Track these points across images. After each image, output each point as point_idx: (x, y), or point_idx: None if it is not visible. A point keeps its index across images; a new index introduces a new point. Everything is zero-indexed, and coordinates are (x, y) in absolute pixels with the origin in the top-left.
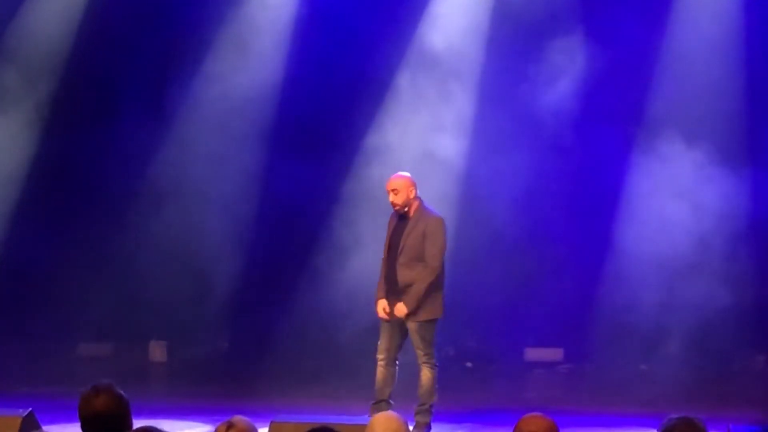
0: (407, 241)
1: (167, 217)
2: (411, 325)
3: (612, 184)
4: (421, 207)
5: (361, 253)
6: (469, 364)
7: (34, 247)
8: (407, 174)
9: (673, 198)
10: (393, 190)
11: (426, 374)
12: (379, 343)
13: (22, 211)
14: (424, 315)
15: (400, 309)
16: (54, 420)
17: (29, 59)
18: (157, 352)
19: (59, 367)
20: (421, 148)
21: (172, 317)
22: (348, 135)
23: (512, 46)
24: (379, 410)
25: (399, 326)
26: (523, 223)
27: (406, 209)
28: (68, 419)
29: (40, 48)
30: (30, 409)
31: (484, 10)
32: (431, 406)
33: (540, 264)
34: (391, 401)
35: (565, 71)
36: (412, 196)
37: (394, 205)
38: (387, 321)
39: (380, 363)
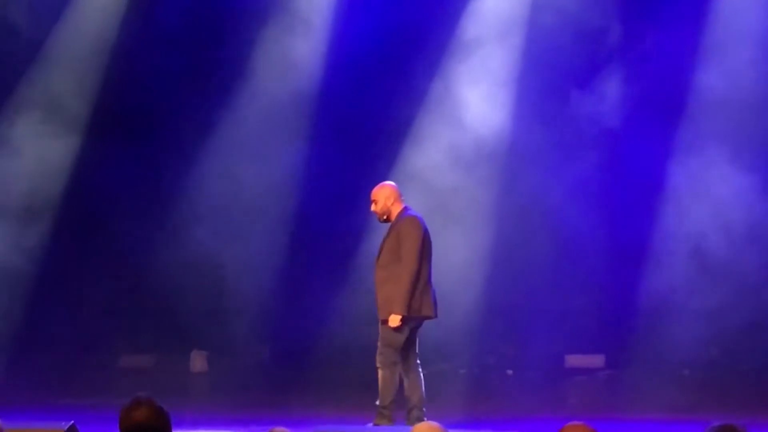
0: (385, 245)
1: (209, 228)
2: (381, 324)
3: (653, 188)
4: (401, 212)
5: None
6: (509, 372)
7: (75, 259)
8: (389, 183)
9: (715, 201)
10: (373, 201)
11: (380, 375)
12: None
13: (63, 222)
14: (384, 314)
15: (393, 319)
16: None
17: (71, 67)
18: (198, 362)
19: (101, 378)
20: (461, 151)
21: (212, 328)
22: (389, 131)
23: (551, 48)
24: (411, 418)
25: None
26: (564, 229)
27: (385, 217)
28: (110, 431)
29: (82, 56)
30: (72, 421)
31: (525, 7)
32: (389, 404)
33: (580, 270)
34: (423, 408)
35: (606, 69)
36: (389, 204)
37: (375, 214)
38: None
39: (399, 372)
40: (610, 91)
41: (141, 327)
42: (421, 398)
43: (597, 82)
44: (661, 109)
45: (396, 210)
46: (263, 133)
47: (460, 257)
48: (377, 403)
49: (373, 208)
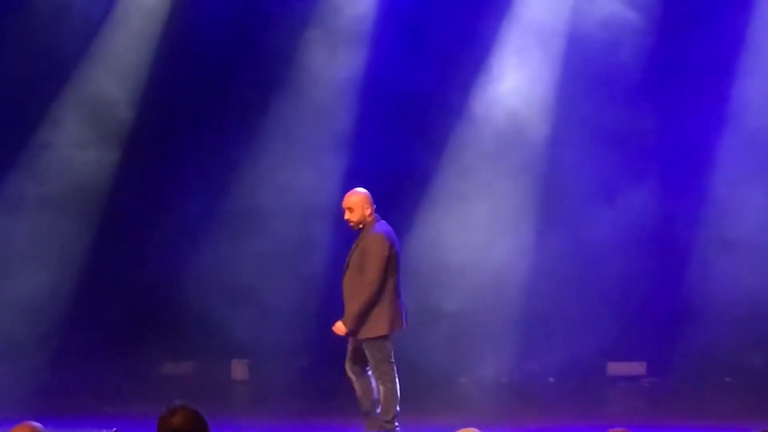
0: (352, 258)
1: (249, 237)
2: (362, 344)
3: (696, 192)
4: (372, 224)
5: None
6: (551, 379)
7: (117, 266)
8: (363, 191)
9: (759, 205)
10: (348, 208)
11: (381, 390)
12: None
13: (104, 229)
14: (367, 333)
15: (339, 328)
16: None
17: (113, 76)
18: (239, 370)
19: (143, 386)
20: (508, 154)
21: (253, 336)
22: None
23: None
24: (368, 420)
25: (356, 341)
26: (605, 235)
27: (360, 227)
28: None
29: (123, 66)
30: (114, 429)
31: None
32: (393, 418)
33: (622, 277)
34: (377, 410)
35: (647, 70)
36: (367, 213)
37: (348, 222)
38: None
39: (351, 378)
40: (654, 93)
41: (182, 335)
42: (374, 402)
43: (638, 83)
44: (703, 106)
45: (370, 220)
46: (305, 138)
47: (502, 262)
48: (382, 417)
49: (348, 216)
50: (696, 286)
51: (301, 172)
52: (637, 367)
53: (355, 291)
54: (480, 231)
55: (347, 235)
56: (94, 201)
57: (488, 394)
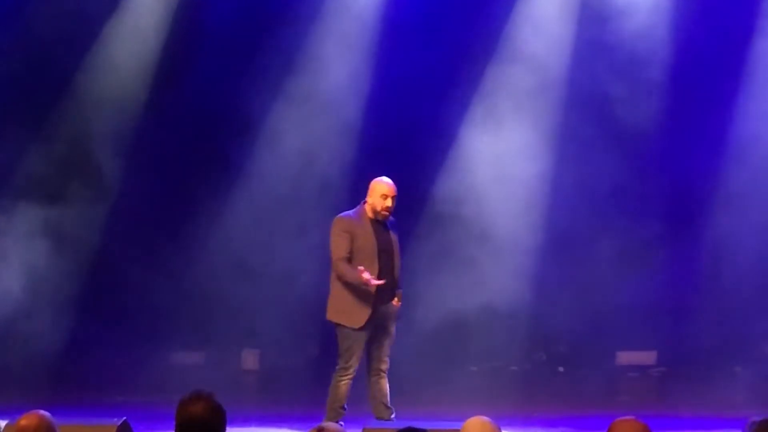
0: (396, 247)
1: (260, 226)
2: (393, 330)
3: (707, 180)
4: None
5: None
6: (560, 369)
7: (127, 256)
8: None
9: None
10: (393, 197)
11: (385, 380)
12: (355, 355)
13: (117, 223)
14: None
15: (398, 302)
16: (148, 428)
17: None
18: (250, 360)
19: (153, 376)
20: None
21: (264, 325)
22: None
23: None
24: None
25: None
26: (614, 224)
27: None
28: (162, 427)
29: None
30: (124, 417)
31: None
32: None
33: (632, 266)
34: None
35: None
36: None
37: (389, 210)
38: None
39: (348, 378)
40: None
41: (192, 324)
42: None
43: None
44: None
45: None
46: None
47: (514, 249)
48: (387, 403)
49: (391, 204)
50: (707, 274)
51: (310, 167)
52: (647, 357)
53: (396, 275)
54: (498, 219)
55: None
56: (103, 192)
57: (498, 384)
